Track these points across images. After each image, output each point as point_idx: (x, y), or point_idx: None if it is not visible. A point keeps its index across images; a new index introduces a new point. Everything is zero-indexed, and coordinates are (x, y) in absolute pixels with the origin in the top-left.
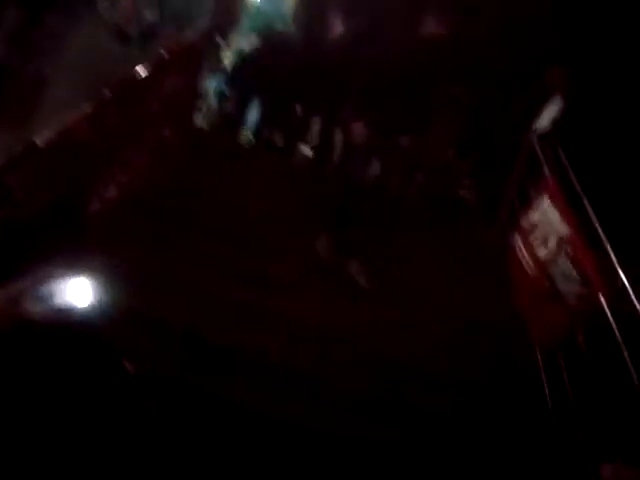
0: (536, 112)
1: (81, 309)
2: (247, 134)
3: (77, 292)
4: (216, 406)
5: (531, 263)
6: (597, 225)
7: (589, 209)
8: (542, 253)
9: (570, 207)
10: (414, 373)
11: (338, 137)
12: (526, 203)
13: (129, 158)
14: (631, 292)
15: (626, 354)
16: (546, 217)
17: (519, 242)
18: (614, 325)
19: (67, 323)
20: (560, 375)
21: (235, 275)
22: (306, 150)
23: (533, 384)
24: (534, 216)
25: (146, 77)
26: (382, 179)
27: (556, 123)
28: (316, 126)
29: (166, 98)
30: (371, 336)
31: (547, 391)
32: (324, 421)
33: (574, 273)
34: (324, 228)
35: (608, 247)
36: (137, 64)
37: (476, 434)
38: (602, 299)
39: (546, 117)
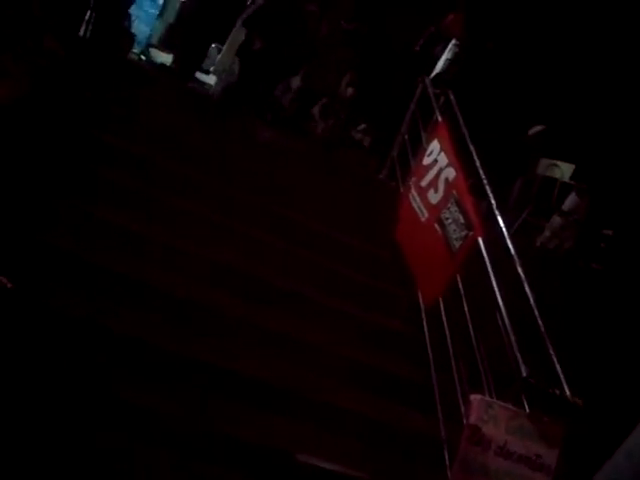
0: (432, 56)
1: None
2: (139, 51)
3: None
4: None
5: (423, 208)
6: (481, 171)
7: (475, 155)
8: (433, 199)
9: (458, 152)
10: None
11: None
12: (418, 146)
13: (6, 66)
14: (507, 236)
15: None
16: (436, 162)
17: (411, 186)
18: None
19: None
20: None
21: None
22: (206, 78)
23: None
24: (426, 160)
25: None
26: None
27: (450, 68)
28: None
29: (48, 2)
30: None
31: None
32: None
33: (461, 218)
34: None
35: (489, 192)
36: None
37: None
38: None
39: (441, 61)
